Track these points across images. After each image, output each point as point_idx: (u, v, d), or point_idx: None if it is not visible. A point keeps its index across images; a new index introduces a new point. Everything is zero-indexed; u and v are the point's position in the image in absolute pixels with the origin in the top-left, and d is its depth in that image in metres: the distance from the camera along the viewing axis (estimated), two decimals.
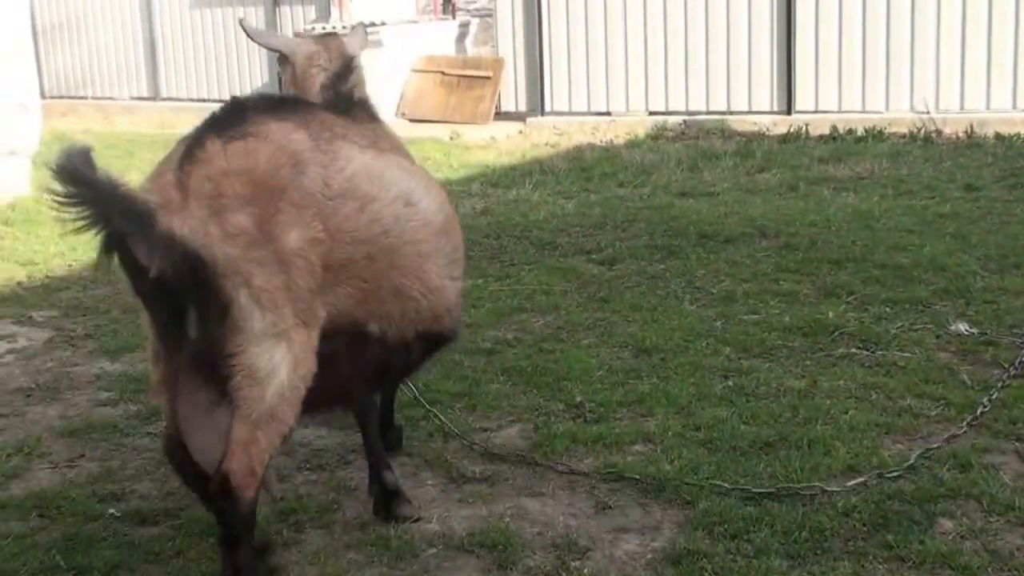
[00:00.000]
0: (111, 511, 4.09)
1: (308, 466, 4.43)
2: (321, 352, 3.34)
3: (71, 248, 8.31)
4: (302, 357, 3.28)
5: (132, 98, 19.75)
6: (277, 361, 3.22)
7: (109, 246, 3.18)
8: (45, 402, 5.28)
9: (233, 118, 3.42)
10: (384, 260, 3.44)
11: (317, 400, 3.42)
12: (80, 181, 3.14)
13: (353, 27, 5.58)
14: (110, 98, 19.95)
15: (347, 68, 4.31)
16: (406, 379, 4.34)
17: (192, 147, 3.36)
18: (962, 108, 13.09)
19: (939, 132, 12.41)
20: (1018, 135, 11.91)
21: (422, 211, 3.56)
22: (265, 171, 3.25)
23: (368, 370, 3.65)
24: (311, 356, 3.31)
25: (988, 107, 13.05)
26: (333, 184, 3.33)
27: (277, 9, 18.16)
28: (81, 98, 20.13)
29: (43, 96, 16.37)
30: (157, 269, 3.04)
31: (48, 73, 20.17)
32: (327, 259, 3.28)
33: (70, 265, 7.95)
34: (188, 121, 14.87)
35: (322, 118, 3.58)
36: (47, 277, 7.66)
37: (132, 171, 12.08)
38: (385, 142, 3.84)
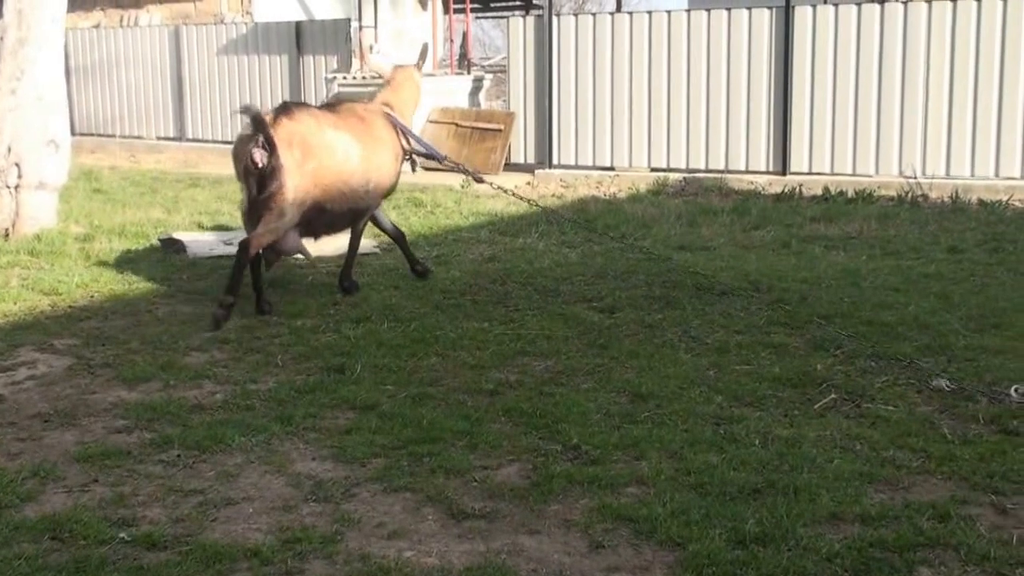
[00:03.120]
0: (121, 535, 4.12)
1: (313, 498, 4.47)
2: (306, 213, 7.43)
3: (94, 279, 8.45)
4: (295, 213, 7.33)
5: (159, 138, 19.97)
6: (288, 212, 7.30)
7: (252, 158, 7.15)
8: (62, 428, 5.34)
9: (288, 108, 7.57)
10: (338, 178, 7.56)
11: (314, 230, 7.73)
12: (255, 117, 7.18)
13: (421, 53, 8.92)
14: (138, 137, 20.18)
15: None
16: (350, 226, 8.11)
17: (275, 116, 7.42)
18: (948, 174, 13.40)
19: (925, 196, 12.65)
20: (1000, 201, 12.16)
21: (354, 159, 7.66)
22: (303, 135, 7.37)
23: (326, 221, 7.72)
24: (298, 214, 7.37)
25: (972, 174, 13.35)
26: (326, 144, 7.49)
27: (301, 59, 18.42)
28: (110, 136, 20.38)
29: (73, 133, 16.63)
30: (265, 164, 7.12)
31: (79, 111, 20.47)
32: (316, 176, 7.40)
33: (92, 296, 8.04)
34: (212, 161, 15.43)
35: (314, 112, 7.77)
36: (70, 307, 7.74)
37: (155, 207, 12.37)
38: (344, 123, 7.79)
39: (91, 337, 6.97)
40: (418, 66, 8.75)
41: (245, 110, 7.24)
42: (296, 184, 7.28)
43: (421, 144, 8.62)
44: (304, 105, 8.01)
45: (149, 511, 4.38)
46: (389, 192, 8.40)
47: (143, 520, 4.29)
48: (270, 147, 7.11)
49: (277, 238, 7.37)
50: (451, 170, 9.62)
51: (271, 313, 7.51)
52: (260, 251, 7.40)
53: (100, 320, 7.41)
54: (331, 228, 7.93)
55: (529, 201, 9.45)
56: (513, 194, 9.66)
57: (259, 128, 7.12)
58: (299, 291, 8.19)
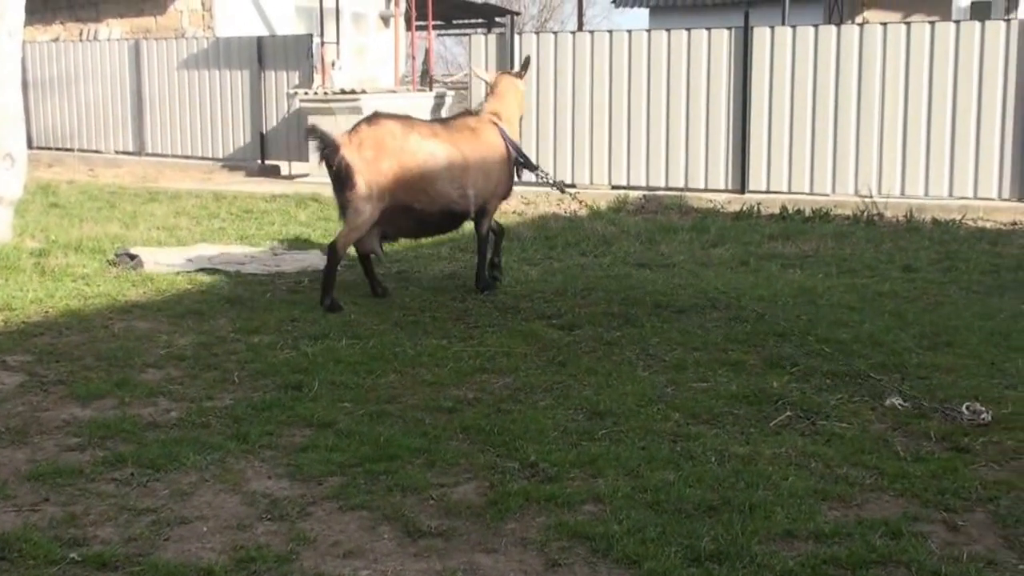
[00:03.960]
0: (72, 555, 4.06)
1: (268, 516, 4.44)
2: (389, 211, 8.13)
3: (48, 295, 8.35)
4: (373, 211, 8.04)
5: (118, 152, 19.86)
6: (364, 209, 8.03)
7: (327, 160, 7.98)
8: (13, 445, 5.23)
9: (373, 116, 8.31)
10: (422, 180, 8.14)
11: (404, 230, 8.50)
12: (319, 135, 8.00)
13: (523, 63, 9.94)
14: (96, 151, 20.06)
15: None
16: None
17: (355, 125, 8.20)
18: (903, 194, 13.60)
19: (881, 215, 12.81)
20: (953, 221, 12.35)
21: (442, 163, 8.22)
22: (378, 137, 8.05)
23: (416, 220, 8.35)
24: (377, 212, 8.07)
25: (927, 194, 13.57)
26: (407, 148, 8.11)
27: (263, 74, 18.38)
28: (68, 150, 20.25)
29: (31, 146, 16.44)
30: (335, 166, 7.93)
31: (37, 124, 20.32)
32: (392, 174, 8.03)
33: (47, 312, 7.94)
34: (171, 176, 15.25)
35: (407, 121, 8.44)
36: (23, 323, 7.63)
37: (113, 221, 12.27)
38: (445, 132, 8.44)
39: (44, 353, 6.88)
40: (520, 75, 9.42)
41: (311, 131, 8.29)
42: (367, 180, 7.96)
43: (520, 155, 8.98)
44: (395, 116, 8.50)
45: (101, 531, 4.32)
46: (500, 198, 8.95)
47: (94, 540, 4.24)
48: (332, 149, 7.92)
49: (360, 235, 8.15)
50: (542, 183, 10.13)
51: (386, 296, 8.42)
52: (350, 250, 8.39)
53: (54, 336, 7.31)
54: (424, 228, 8.68)
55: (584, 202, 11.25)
56: (578, 200, 11.02)
57: (313, 134, 8.15)
58: (257, 307, 8.15)
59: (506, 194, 9.00)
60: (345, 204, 8.06)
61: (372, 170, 7.97)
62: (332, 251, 8.12)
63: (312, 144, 8.34)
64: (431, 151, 8.21)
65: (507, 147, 8.74)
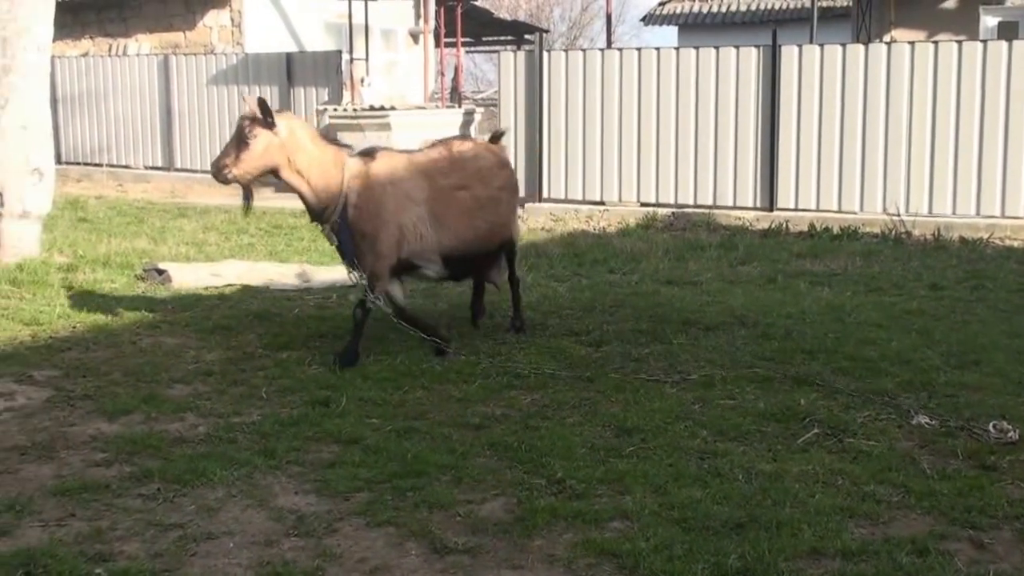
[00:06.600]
0: (98, 571, 4.06)
1: (295, 532, 4.44)
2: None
3: (76, 310, 8.39)
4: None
5: (146, 167, 19.97)
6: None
7: None
8: (40, 461, 5.26)
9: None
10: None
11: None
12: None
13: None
14: (125, 166, 20.18)
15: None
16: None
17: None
18: (930, 212, 13.52)
19: (908, 234, 12.75)
20: (981, 239, 12.28)
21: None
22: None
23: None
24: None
25: (954, 212, 13.48)
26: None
27: (292, 90, 18.48)
28: (97, 165, 20.36)
29: (60, 161, 16.53)
30: None
31: (66, 139, 20.47)
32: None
33: (74, 327, 7.98)
34: (200, 191, 15.25)
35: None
36: (51, 337, 7.67)
37: (141, 237, 12.35)
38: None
39: (72, 368, 6.91)
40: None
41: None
42: None
43: None
44: None
45: (127, 546, 4.32)
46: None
47: (120, 555, 4.23)
48: None
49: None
50: None
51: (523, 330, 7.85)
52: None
53: (81, 351, 7.35)
54: None
55: None
56: None
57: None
58: (286, 323, 8.18)
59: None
60: None
61: None
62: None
63: None
64: None
65: None
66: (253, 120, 6.93)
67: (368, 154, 7.29)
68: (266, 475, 5.10)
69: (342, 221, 6.99)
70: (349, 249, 7.04)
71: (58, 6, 11.21)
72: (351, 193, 6.99)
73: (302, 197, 7.10)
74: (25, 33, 10.53)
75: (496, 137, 8.01)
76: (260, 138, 6.90)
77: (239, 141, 6.93)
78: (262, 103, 6.98)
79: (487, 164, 7.62)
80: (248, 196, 7.21)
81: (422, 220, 7.14)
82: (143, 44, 22.01)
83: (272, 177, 7.09)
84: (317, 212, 7.07)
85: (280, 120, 6.99)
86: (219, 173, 6.97)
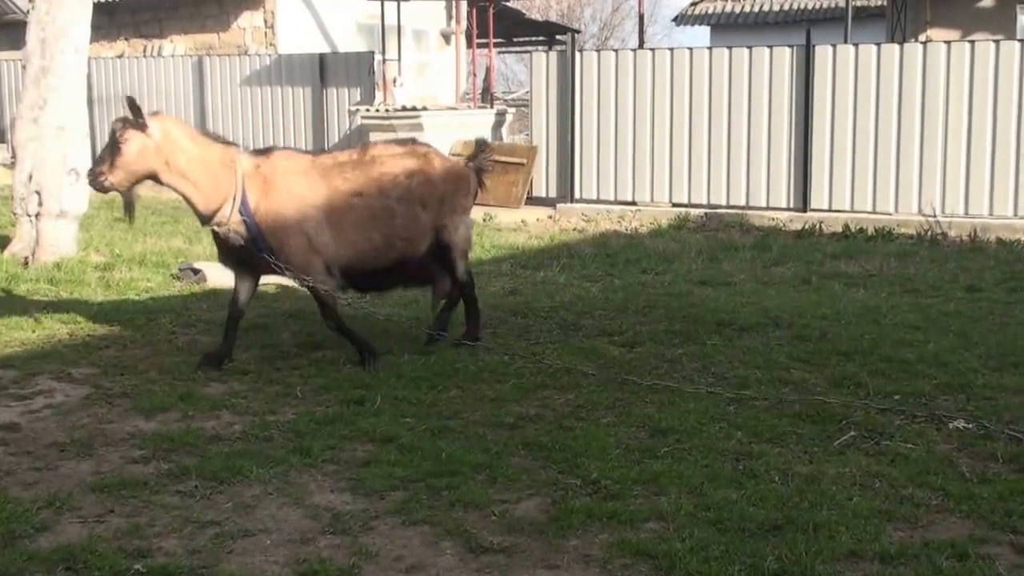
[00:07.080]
0: (137, 567, 4.09)
1: (331, 530, 4.46)
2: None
3: (113, 308, 8.46)
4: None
5: None
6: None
7: None
8: (78, 457, 5.30)
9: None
10: None
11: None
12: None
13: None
14: None
15: None
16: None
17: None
18: (967, 213, 13.42)
19: (944, 235, 12.69)
20: (1018, 241, 12.20)
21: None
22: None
23: None
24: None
25: (991, 213, 13.38)
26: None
27: (325, 91, 18.54)
28: None
29: None
30: None
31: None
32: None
33: (111, 325, 8.03)
34: None
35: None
36: (88, 336, 7.73)
37: (177, 236, 12.42)
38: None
39: (109, 366, 6.97)
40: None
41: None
42: None
43: None
44: None
45: (165, 542, 4.34)
46: None
47: (159, 551, 4.26)
48: None
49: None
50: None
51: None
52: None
53: (119, 349, 7.42)
54: None
55: None
56: None
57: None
58: (320, 322, 8.19)
59: None
60: None
61: None
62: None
63: None
64: None
65: None
66: (125, 122, 6.53)
67: (263, 152, 7.00)
68: (302, 473, 5.11)
69: (249, 220, 6.65)
70: (263, 246, 6.72)
71: (94, 8, 11.30)
72: (249, 192, 6.64)
73: (188, 200, 6.73)
74: (63, 35, 10.64)
75: (480, 146, 7.64)
76: (133, 141, 6.48)
77: (112, 146, 6.52)
78: (131, 102, 6.56)
79: (392, 171, 7.06)
80: (129, 205, 6.85)
81: (320, 226, 6.80)
82: (177, 45, 22.16)
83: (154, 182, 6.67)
84: (207, 216, 6.68)
85: (152, 121, 6.56)
86: (95, 181, 6.60)
